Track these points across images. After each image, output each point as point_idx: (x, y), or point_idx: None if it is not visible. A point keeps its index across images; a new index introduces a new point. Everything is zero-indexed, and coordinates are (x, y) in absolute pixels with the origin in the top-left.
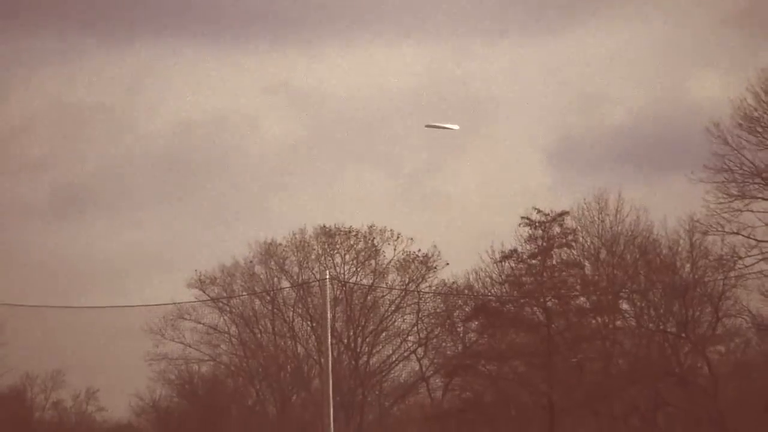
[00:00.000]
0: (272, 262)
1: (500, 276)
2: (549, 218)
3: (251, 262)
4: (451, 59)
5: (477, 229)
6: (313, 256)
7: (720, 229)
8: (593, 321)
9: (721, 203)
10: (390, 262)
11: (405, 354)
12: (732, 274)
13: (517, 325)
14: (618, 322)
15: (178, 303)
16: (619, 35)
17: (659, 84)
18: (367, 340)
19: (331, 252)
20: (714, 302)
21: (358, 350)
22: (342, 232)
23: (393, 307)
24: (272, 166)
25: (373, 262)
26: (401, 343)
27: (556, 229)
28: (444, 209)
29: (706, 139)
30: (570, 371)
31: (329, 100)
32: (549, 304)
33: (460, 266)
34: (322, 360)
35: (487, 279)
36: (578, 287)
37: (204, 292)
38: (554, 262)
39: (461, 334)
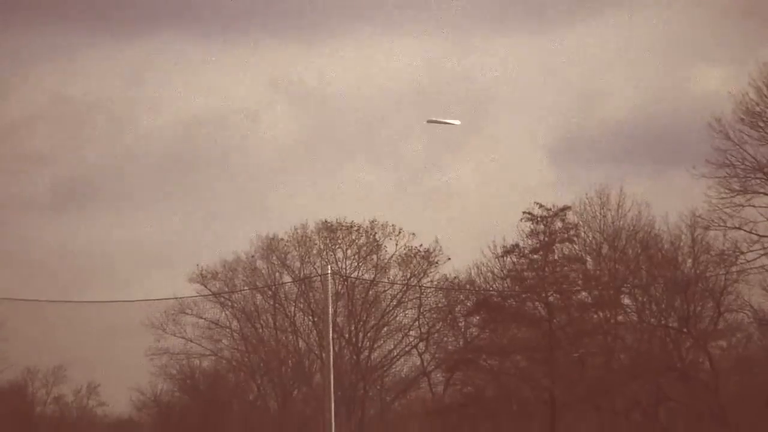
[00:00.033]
0: (274, 257)
1: (502, 271)
2: (551, 213)
3: (253, 256)
4: (452, 55)
5: (479, 224)
6: (314, 251)
7: (722, 224)
8: (595, 316)
9: (722, 198)
10: (392, 257)
11: (406, 349)
12: (734, 269)
13: (518, 320)
14: (620, 317)
15: (180, 298)
16: (621, 30)
17: (661, 79)
18: (369, 335)
19: (333, 247)
20: (716, 297)
21: (360, 345)
22: (344, 227)
23: (394, 302)
24: (274, 161)
25: (374, 257)
26: (403, 337)
27: (558, 224)
28: (445, 204)
29: (707, 134)
30: (571, 366)
31: (331, 96)
32: (551, 298)
33: (461, 261)
34: (324, 355)
35: (489, 274)
36: (580, 282)
37: (205, 287)
38: (556, 257)
39: (463, 329)
